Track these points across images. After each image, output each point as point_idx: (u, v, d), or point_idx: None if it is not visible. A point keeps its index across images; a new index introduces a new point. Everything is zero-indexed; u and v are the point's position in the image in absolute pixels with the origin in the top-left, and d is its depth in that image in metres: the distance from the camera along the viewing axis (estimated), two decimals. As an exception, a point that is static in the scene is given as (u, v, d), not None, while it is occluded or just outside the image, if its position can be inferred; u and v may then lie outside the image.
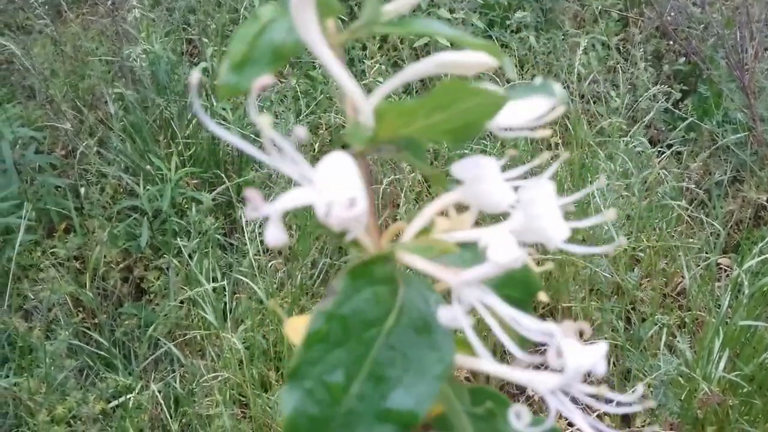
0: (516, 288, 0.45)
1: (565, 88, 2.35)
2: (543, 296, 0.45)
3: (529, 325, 0.38)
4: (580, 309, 1.90)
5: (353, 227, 0.35)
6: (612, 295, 1.96)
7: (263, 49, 0.43)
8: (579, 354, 0.38)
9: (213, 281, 1.88)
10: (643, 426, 1.74)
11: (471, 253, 0.42)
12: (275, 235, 0.34)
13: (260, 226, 2.00)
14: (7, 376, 1.72)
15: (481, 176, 0.43)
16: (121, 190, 2.13)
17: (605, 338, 1.86)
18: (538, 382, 0.40)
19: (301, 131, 0.36)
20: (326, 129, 2.21)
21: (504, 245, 0.38)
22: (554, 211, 0.41)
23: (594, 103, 2.32)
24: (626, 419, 1.79)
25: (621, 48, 2.54)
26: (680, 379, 1.72)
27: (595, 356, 0.38)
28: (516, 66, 2.36)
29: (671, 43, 2.56)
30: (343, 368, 0.35)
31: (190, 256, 1.91)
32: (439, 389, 0.35)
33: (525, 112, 0.46)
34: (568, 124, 2.25)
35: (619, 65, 2.38)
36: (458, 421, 0.41)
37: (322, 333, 0.36)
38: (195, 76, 0.38)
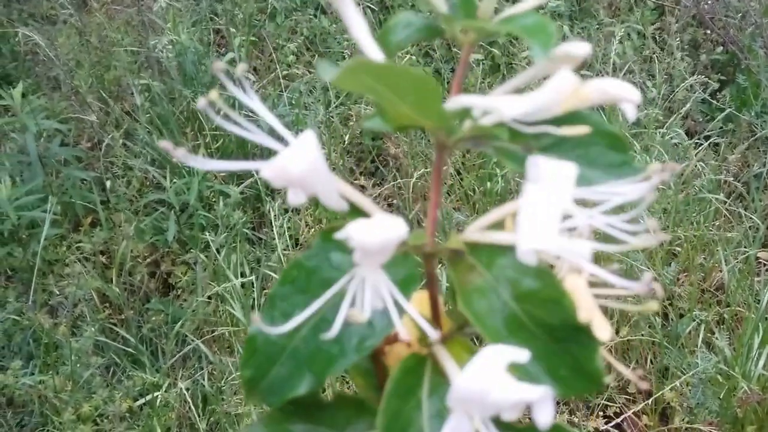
0: (545, 308, 0.40)
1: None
2: (583, 317, 0.40)
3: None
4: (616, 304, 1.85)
5: (291, 191, 0.37)
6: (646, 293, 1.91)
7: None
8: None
9: (241, 276, 1.85)
10: (681, 424, 1.70)
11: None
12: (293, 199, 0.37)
13: (289, 220, 1.97)
14: (32, 374, 1.69)
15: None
16: (148, 183, 2.10)
17: (642, 335, 1.81)
18: None
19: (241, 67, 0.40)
20: (356, 120, 2.16)
21: (536, 229, 0.35)
22: (550, 208, 0.36)
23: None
24: (664, 418, 1.75)
25: (657, 37, 2.48)
26: (719, 377, 1.68)
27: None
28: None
29: (708, 32, 2.49)
30: (301, 311, 0.39)
31: (217, 251, 1.88)
32: (352, 361, 0.40)
33: None
34: (603, 115, 2.19)
35: (655, 55, 2.32)
36: None
37: (292, 276, 0.42)
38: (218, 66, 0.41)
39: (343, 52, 2.29)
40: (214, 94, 0.40)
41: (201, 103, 0.40)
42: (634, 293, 0.40)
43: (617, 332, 1.79)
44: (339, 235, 0.34)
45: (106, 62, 2.30)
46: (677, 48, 2.30)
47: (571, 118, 0.43)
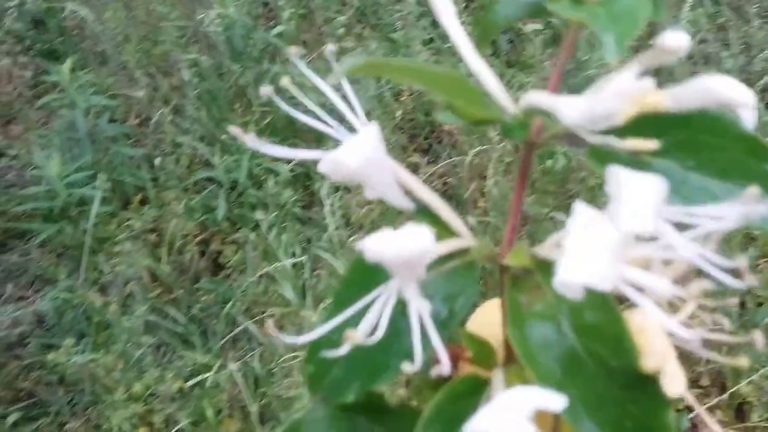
0: (607, 346, 0.34)
1: (669, 48, 2.16)
2: (649, 365, 0.33)
3: None
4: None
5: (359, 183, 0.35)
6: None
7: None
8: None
9: (292, 256, 1.80)
10: (760, 421, 1.60)
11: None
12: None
13: (340, 198, 1.90)
14: (84, 352, 1.68)
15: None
16: (197, 160, 2.07)
17: (717, 325, 1.71)
18: None
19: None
20: (409, 95, 2.08)
21: (586, 259, 0.29)
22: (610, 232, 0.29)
23: (704, 64, 2.13)
24: (740, 414, 1.65)
25: (732, 3, 2.32)
26: (800, 370, 1.57)
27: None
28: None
29: (789, -3, 2.32)
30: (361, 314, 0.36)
31: (267, 230, 1.83)
32: (396, 375, 0.37)
33: None
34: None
35: (730, 22, 2.18)
36: None
37: (354, 277, 0.39)
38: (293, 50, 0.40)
39: (394, 24, 2.20)
40: (286, 81, 0.39)
41: (265, 90, 0.39)
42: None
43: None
44: (361, 247, 0.32)
45: (153, 37, 2.27)
46: (755, 15, 2.15)
47: (692, 118, 0.34)
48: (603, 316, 0.34)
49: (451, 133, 2.06)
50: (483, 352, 0.35)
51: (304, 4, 2.32)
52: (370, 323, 0.34)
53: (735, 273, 0.33)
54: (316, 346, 0.39)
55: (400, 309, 0.34)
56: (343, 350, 0.35)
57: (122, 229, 1.94)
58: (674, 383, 0.33)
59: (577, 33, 0.40)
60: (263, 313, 1.77)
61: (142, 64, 2.23)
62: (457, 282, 0.37)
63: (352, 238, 1.82)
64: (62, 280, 1.85)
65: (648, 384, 0.33)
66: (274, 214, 1.87)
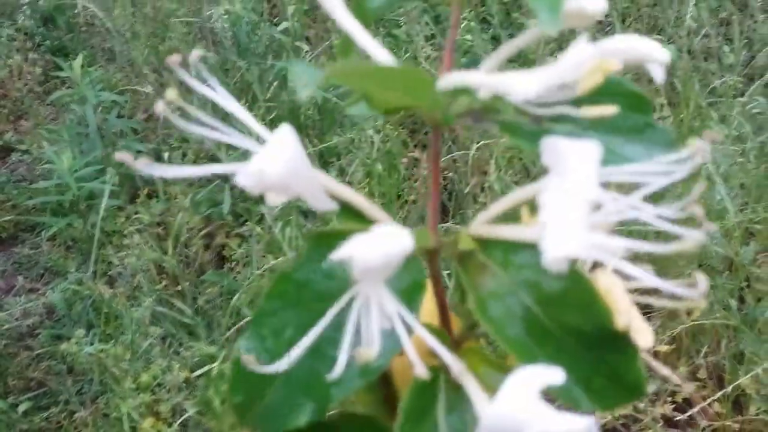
0: (575, 313, 0.35)
1: (672, 43, 2.16)
2: (621, 324, 0.34)
3: None
4: (689, 286, 1.75)
5: (269, 194, 0.34)
6: (724, 272, 1.80)
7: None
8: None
9: (296, 249, 1.83)
10: (758, 414, 1.61)
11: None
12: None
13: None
14: (92, 343, 1.72)
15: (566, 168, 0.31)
16: (203, 155, 2.09)
17: (716, 318, 1.71)
18: None
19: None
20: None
21: (565, 232, 0.29)
22: (577, 203, 0.30)
23: (705, 60, 2.13)
24: (738, 407, 1.66)
25: (736, -2, 2.32)
26: (799, 363, 1.57)
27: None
28: (618, 20, 2.18)
29: (794, -9, 2.31)
30: (293, 329, 0.36)
31: (272, 223, 1.86)
32: (357, 387, 0.35)
33: None
34: (676, 83, 2.06)
35: (733, 17, 2.17)
36: None
37: (280, 291, 0.37)
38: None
39: (398, 20, 2.22)
40: (171, 94, 0.36)
41: (159, 107, 0.36)
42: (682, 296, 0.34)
43: (688, 314, 1.70)
44: (337, 257, 0.30)
45: (161, 33, 2.29)
46: (758, 9, 2.15)
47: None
48: (568, 283, 0.35)
49: (453, 128, 2.07)
50: (441, 340, 0.34)
51: (309, 0, 2.34)
52: (351, 336, 0.32)
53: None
54: (240, 371, 0.35)
55: (341, 317, 0.33)
56: (283, 365, 0.33)
57: (130, 222, 1.98)
58: (644, 336, 0.34)
59: (459, 10, 0.41)
60: (268, 305, 1.80)
61: (149, 61, 2.26)
62: (406, 276, 0.35)
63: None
64: (72, 272, 1.88)
65: (618, 341, 0.34)
66: (278, 208, 1.89)
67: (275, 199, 0.34)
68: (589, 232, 0.29)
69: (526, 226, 0.36)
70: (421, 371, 0.32)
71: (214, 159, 2.06)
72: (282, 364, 0.33)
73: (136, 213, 2.00)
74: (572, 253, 0.29)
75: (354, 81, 0.36)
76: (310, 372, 0.35)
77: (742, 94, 2.02)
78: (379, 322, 0.32)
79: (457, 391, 0.37)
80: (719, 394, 1.58)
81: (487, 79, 0.35)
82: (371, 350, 0.32)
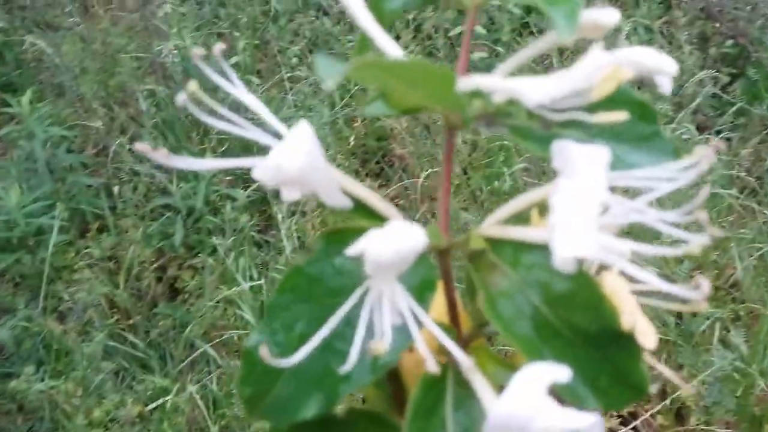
0: (583, 314, 0.36)
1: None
2: (626, 323, 0.35)
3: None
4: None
5: (285, 189, 0.34)
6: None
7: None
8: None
9: (250, 280, 1.84)
10: (698, 424, 1.68)
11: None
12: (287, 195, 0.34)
13: (296, 222, 1.96)
14: (43, 380, 1.70)
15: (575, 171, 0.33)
16: (154, 188, 2.10)
17: (655, 334, 1.79)
18: None
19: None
20: (362, 122, 2.15)
21: (575, 233, 0.30)
22: (587, 205, 0.30)
23: (639, 89, 2.24)
24: (679, 418, 1.73)
25: (665, 31, 2.45)
26: (735, 375, 1.65)
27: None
28: (557, 54, 2.28)
29: (717, 25, 2.46)
30: (304, 323, 0.36)
31: (225, 255, 1.88)
32: (367, 381, 0.35)
33: None
34: (612, 112, 2.16)
35: (663, 49, 2.29)
36: None
37: (292, 284, 0.37)
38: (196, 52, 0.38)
39: (346, 54, 2.28)
40: (193, 86, 0.37)
41: (180, 98, 0.36)
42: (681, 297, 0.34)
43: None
44: (351, 252, 0.31)
45: (110, 68, 2.30)
46: (686, 42, 2.27)
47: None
48: (576, 284, 0.35)
49: (403, 157, 2.13)
50: (450, 336, 0.35)
51: (259, 35, 2.38)
52: (363, 330, 0.33)
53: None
54: (250, 364, 0.36)
55: (352, 312, 0.34)
56: (295, 359, 0.33)
57: (80, 257, 1.96)
58: (648, 337, 0.35)
59: (475, 17, 0.41)
60: (221, 336, 1.80)
61: (99, 96, 2.27)
62: (417, 273, 0.35)
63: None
64: (21, 309, 1.85)
65: (622, 341, 0.35)
66: (231, 239, 1.91)
67: (290, 195, 0.33)
68: (598, 234, 0.30)
69: (535, 227, 0.38)
70: (432, 366, 0.32)
71: (166, 192, 2.07)
72: (294, 358, 0.33)
73: (87, 248, 1.99)
74: (582, 253, 0.30)
75: (377, 76, 0.35)
76: (320, 366, 0.35)
77: (673, 121, 2.13)
78: (390, 317, 0.32)
79: (464, 387, 0.37)
80: (660, 406, 1.65)
81: (504, 84, 0.36)
82: (383, 343, 0.32)
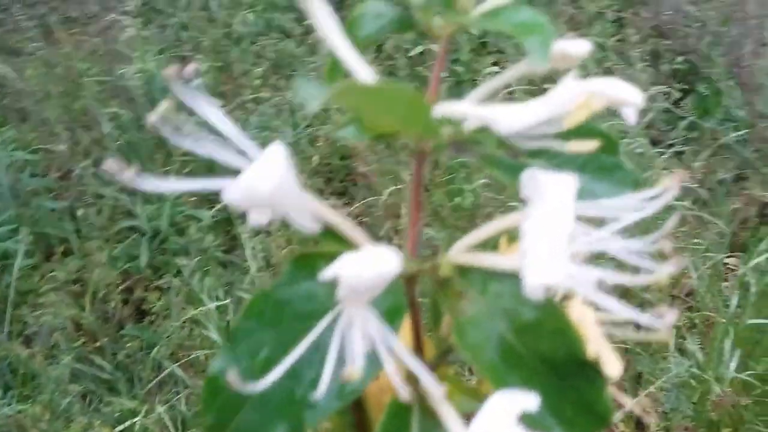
0: (550, 342, 0.36)
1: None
2: (591, 351, 0.35)
3: None
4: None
5: (254, 212, 0.32)
6: (619, 298, 1.93)
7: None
8: None
9: (216, 300, 1.85)
10: (657, 431, 1.71)
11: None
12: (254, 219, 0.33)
13: (261, 242, 1.98)
14: (10, 404, 1.69)
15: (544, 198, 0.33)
16: (119, 210, 2.11)
17: (614, 343, 1.83)
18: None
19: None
20: (325, 141, 2.19)
21: (545, 261, 0.30)
22: (557, 234, 0.31)
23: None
24: (640, 425, 1.77)
25: (618, 49, 2.52)
26: (692, 381, 1.69)
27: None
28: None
29: (668, 42, 2.54)
30: (270, 348, 0.35)
31: (190, 275, 1.89)
32: (334, 409, 0.35)
33: None
34: (567, 128, 2.21)
35: (616, 66, 2.36)
36: None
37: (258, 309, 0.36)
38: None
39: (308, 75, 2.32)
40: (166, 105, 0.35)
41: (151, 118, 0.35)
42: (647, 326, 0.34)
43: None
44: (325, 276, 0.29)
45: (73, 92, 2.31)
46: (638, 59, 2.34)
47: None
48: (543, 313, 0.35)
49: (366, 175, 2.16)
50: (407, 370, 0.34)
51: (222, 57, 2.40)
52: (335, 356, 0.32)
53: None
54: (213, 391, 0.35)
55: (320, 338, 0.33)
56: (261, 386, 0.32)
57: (46, 280, 1.96)
58: (613, 366, 0.36)
59: (446, 46, 0.41)
60: (189, 356, 1.81)
61: (62, 119, 2.27)
62: (387, 299, 0.35)
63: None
64: (-15, 334, 1.85)
65: (586, 370, 0.35)
66: (196, 260, 1.92)
67: (259, 218, 0.32)
68: (568, 262, 0.30)
69: (504, 255, 0.38)
70: (404, 394, 0.32)
71: (130, 214, 2.08)
72: (259, 385, 0.32)
73: (52, 271, 1.98)
74: (552, 281, 0.30)
75: (353, 100, 0.35)
76: (285, 393, 0.34)
77: (626, 136, 2.19)
78: (362, 343, 0.32)
79: (431, 416, 0.37)
80: (620, 413, 1.68)
81: (478, 111, 0.36)
82: (356, 369, 0.31)
